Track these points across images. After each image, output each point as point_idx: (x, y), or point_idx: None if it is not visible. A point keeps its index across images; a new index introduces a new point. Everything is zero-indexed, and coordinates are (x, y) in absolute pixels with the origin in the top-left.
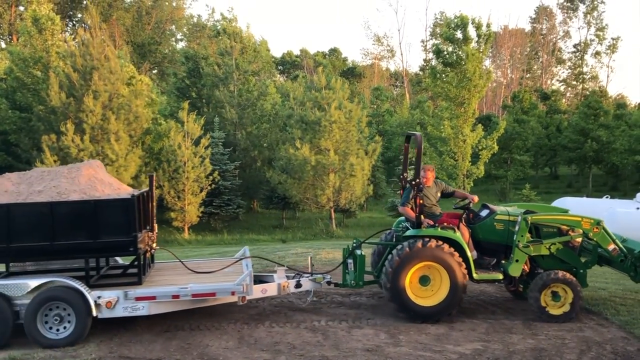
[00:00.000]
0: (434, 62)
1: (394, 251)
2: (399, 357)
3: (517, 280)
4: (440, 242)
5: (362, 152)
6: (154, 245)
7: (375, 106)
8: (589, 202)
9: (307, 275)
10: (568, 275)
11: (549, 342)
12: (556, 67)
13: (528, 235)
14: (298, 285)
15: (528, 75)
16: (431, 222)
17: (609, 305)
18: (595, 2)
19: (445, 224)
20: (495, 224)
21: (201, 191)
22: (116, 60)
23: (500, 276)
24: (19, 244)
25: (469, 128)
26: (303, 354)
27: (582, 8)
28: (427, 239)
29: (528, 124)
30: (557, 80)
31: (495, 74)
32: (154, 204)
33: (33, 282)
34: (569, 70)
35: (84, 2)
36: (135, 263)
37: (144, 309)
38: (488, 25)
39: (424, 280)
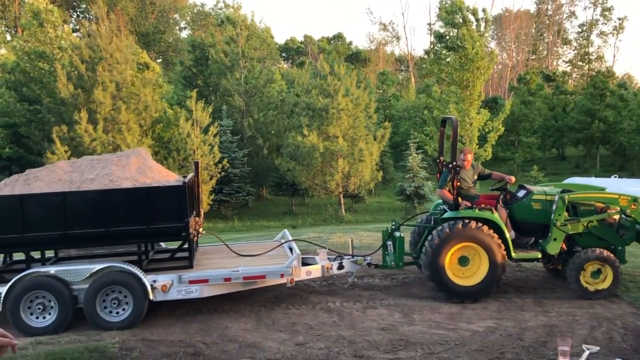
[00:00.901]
0: (437, 47)
1: (433, 232)
2: (414, 335)
3: (555, 259)
4: (478, 223)
5: (371, 138)
6: (201, 229)
7: (381, 91)
8: (597, 182)
9: (349, 257)
10: (620, 270)
11: (560, 319)
12: (562, 47)
13: (565, 213)
14: (340, 267)
15: (534, 57)
16: (469, 204)
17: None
18: None
19: (483, 205)
20: (532, 203)
21: (211, 179)
22: (125, 49)
23: (539, 255)
24: (74, 230)
25: (474, 111)
26: (320, 333)
27: None
28: (465, 220)
29: (534, 105)
30: (563, 61)
31: (501, 56)
32: (200, 189)
33: (92, 268)
34: (575, 51)
35: None
36: (185, 247)
37: (197, 292)
38: (484, 11)
39: (463, 261)
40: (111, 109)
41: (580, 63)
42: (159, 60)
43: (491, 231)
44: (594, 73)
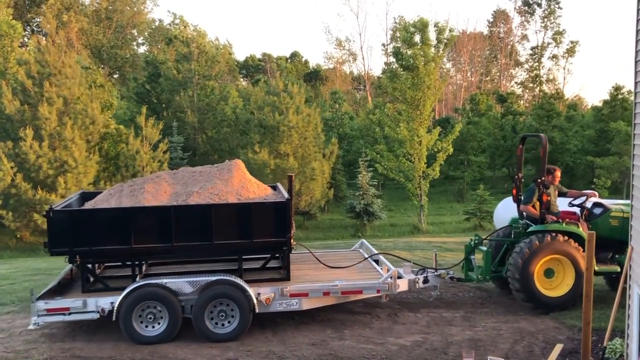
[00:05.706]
0: (394, 66)
1: (522, 245)
2: (342, 350)
3: None
4: (565, 236)
5: (321, 156)
6: (292, 241)
7: (334, 110)
8: None
9: (432, 271)
10: None
11: (485, 333)
12: (514, 69)
13: None
14: (426, 280)
15: (487, 78)
16: (554, 218)
17: None
18: (552, 7)
19: (567, 219)
20: (610, 220)
21: None
22: (75, 65)
23: (618, 269)
24: (181, 242)
25: (424, 130)
26: (251, 349)
27: (539, 12)
28: (552, 233)
29: (480, 125)
30: (515, 82)
31: (456, 77)
32: (292, 202)
33: (203, 280)
34: (526, 73)
35: (42, 8)
36: (278, 258)
37: (297, 305)
38: (451, 30)
39: (548, 273)
40: (57, 124)
41: (531, 85)
42: (115, 76)
43: (577, 244)
44: (543, 94)
